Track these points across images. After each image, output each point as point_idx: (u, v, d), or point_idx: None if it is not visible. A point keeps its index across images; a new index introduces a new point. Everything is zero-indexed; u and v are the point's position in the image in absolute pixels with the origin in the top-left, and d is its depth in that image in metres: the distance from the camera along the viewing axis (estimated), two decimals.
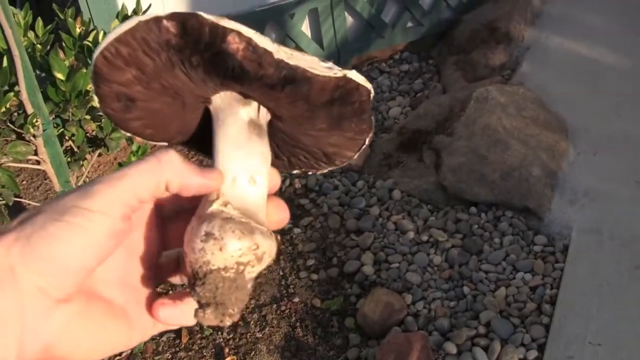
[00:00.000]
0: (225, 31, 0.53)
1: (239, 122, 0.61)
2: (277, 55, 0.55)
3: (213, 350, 2.80)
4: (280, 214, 0.64)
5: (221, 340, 2.82)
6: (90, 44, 2.51)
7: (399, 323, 2.75)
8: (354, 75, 0.59)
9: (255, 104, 0.61)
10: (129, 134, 0.65)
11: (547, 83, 3.79)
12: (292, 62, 0.55)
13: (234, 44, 0.54)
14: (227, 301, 0.57)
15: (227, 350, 2.78)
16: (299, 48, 4.22)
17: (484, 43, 4.19)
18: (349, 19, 4.33)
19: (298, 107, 0.60)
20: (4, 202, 2.49)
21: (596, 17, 4.22)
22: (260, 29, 3.72)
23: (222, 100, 0.61)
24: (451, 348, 2.61)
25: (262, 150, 0.62)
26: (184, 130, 0.67)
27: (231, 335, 2.84)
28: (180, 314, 0.58)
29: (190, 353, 2.80)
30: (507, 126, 3.38)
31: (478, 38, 4.23)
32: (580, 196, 3.15)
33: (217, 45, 0.54)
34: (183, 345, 2.83)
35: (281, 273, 3.08)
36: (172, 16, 0.54)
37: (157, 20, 0.54)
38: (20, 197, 2.88)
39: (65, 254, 0.50)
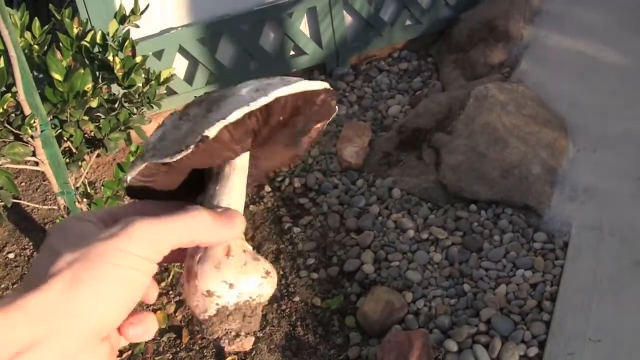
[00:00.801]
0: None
1: (243, 173, 0.66)
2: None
3: (214, 350, 2.79)
4: None
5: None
6: (87, 44, 2.51)
7: (399, 321, 2.75)
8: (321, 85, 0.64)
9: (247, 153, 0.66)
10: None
11: (546, 81, 3.79)
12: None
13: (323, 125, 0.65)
14: (257, 324, 0.65)
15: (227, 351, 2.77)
16: (297, 47, 4.22)
17: (483, 41, 4.19)
18: (348, 18, 4.32)
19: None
20: (2, 203, 2.49)
21: (595, 15, 4.21)
22: (259, 28, 3.72)
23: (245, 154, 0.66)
24: (452, 346, 2.61)
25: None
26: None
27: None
28: (144, 332, 0.62)
29: (190, 353, 2.80)
30: (507, 124, 3.37)
31: (477, 36, 4.23)
32: (580, 193, 3.15)
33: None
34: (184, 345, 2.83)
35: (281, 272, 3.07)
36: (326, 92, 0.62)
37: (317, 93, 0.61)
38: (19, 199, 2.87)
39: (122, 298, 0.55)
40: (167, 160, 0.59)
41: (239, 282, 0.61)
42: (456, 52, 4.27)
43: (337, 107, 0.66)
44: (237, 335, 0.63)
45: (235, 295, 0.61)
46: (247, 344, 0.63)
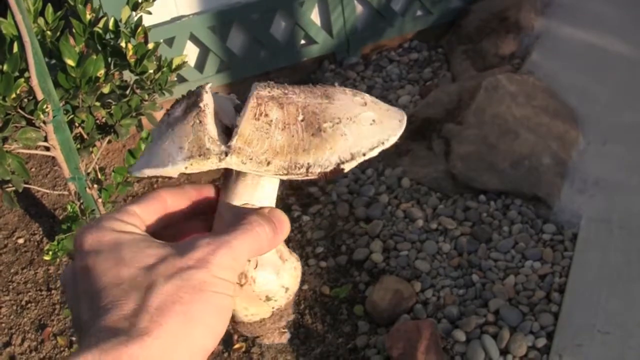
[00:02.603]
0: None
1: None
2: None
3: (222, 337, 2.80)
4: None
5: (229, 327, 2.82)
6: (100, 30, 2.52)
7: (407, 311, 2.76)
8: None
9: None
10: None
11: (557, 72, 3.78)
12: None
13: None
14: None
15: (236, 337, 2.78)
16: (308, 36, 4.21)
17: (494, 32, 4.18)
18: (359, 8, 4.32)
19: None
20: (13, 188, 2.50)
21: (606, 6, 4.19)
22: (270, 17, 3.71)
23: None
24: (460, 336, 2.61)
25: None
26: None
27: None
28: None
29: None
30: (517, 115, 3.37)
31: (488, 27, 4.22)
32: (589, 185, 3.15)
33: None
34: None
35: None
36: None
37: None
38: (29, 184, 2.88)
39: (222, 324, 0.54)
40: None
41: (292, 285, 0.63)
42: (467, 43, 4.26)
43: None
44: (282, 331, 0.66)
45: (286, 297, 0.64)
46: (287, 336, 0.67)
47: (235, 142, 0.57)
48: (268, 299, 0.62)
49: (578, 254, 2.85)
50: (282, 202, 3.41)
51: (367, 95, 0.62)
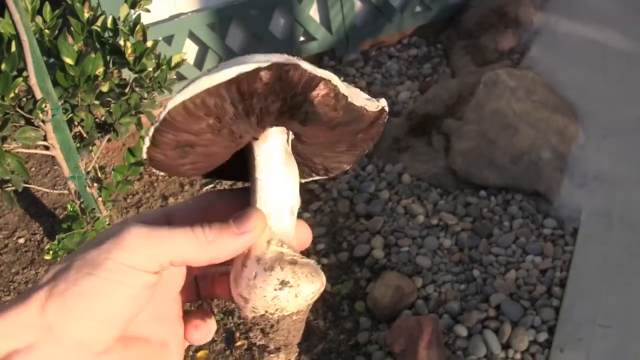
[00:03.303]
0: (318, 80, 0.53)
1: (280, 152, 0.60)
2: (349, 99, 0.55)
3: (224, 334, 2.80)
4: (306, 235, 0.64)
5: (232, 325, 2.83)
6: (98, 29, 2.51)
7: (409, 306, 2.76)
8: (385, 103, 0.60)
9: (289, 133, 0.60)
10: (161, 173, 0.62)
11: (557, 67, 3.78)
12: (356, 102, 0.56)
13: (321, 91, 0.54)
14: (295, 341, 0.59)
15: (238, 334, 2.78)
16: (307, 32, 4.21)
17: (493, 27, 4.17)
18: (358, 4, 4.31)
19: (334, 135, 0.60)
20: (13, 188, 2.49)
21: (605, 1, 4.19)
22: (269, 14, 3.71)
23: (270, 134, 0.59)
24: (461, 331, 2.61)
25: (295, 175, 0.61)
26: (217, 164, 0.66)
27: (242, 320, 2.84)
28: (207, 332, 0.61)
29: None
30: (517, 110, 3.36)
31: (487, 22, 4.22)
32: (590, 180, 3.14)
33: (305, 94, 0.54)
34: None
35: None
36: (273, 67, 0.52)
37: (258, 70, 0.52)
38: (29, 184, 2.88)
39: (104, 309, 0.50)
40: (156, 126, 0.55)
41: (251, 297, 0.57)
42: (466, 39, 4.25)
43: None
44: (264, 349, 0.59)
45: (250, 310, 0.57)
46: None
47: None
48: (245, 300, 0.57)
49: (579, 248, 2.85)
50: None
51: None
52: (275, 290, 0.56)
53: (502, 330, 2.58)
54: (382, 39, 4.48)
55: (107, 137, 2.75)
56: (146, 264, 0.51)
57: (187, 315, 0.62)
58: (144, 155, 0.57)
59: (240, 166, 0.62)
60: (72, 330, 0.49)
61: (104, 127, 2.71)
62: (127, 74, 2.72)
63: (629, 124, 3.36)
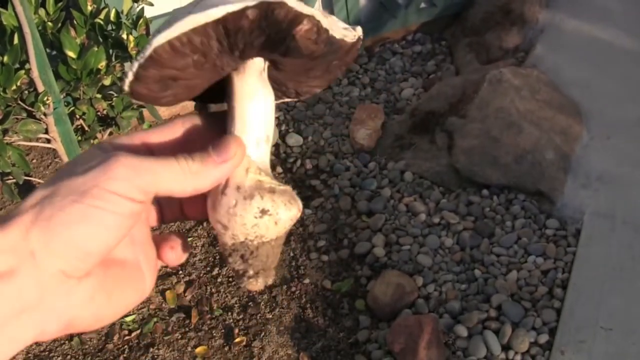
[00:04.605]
0: (302, 17, 0.54)
1: (258, 82, 0.61)
2: (330, 32, 0.56)
3: (223, 330, 2.80)
4: None
5: (231, 320, 2.82)
6: (101, 22, 2.50)
7: (409, 305, 2.75)
8: (361, 32, 0.61)
9: (266, 62, 0.62)
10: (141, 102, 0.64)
11: (561, 66, 3.76)
12: (336, 35, 0.57)
13: (304, 27, 0.55)
14: (272, 265, 0.62)
15: (236, 330, 2.78)
16: None
17: (498, 25, 4.15)
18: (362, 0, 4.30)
19: (310, 63, 0.62)
20: (14, 180, 2.49)
21: (612, 0, 4.17)
22: None
23: (249, 65, 0.61)
24: (462, 331, 2.60)
25: (272, 104, 0.63)
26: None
27: (241, 316, 2.83)
28: (183, 253, 0.62)
29: (199, 333, 2.80)
30: (521, 109, 3.35)
31: (492, 20, 4.19)
32: (593, 180, 3.13)
33: (289, 30, 0.55)
34: (193, 326, 2.83)
35: (291, 254, 3.07)
36: (260, 5, 0.53)
37: (245, 9, 0.53)
38: (31, 176, 2.87)
39: (88, 237, 0.50)
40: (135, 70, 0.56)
41: (230, 224, 0.58)
42: (471, 36, 4.23)
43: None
44: (242, 275, 0.60)
45: (230, 237, 0.59)
46: (253, 286, 0.61)
47: None
48: (224, 227, 0.59)
49: (581, 249, 2.84)
50: None
51: None
52: (255, 218, 0.58)
53: (502, 331, 2.57)
54: (386, 35, 4.46)
55: (108, 131, 2.74)
56: (133, 193, 0.52)
57: (162, 238, 0.62)
58: (126, 89, 0.58)
59: (217, 90, 0.63)
60: (55, 258, 0.49)
61: (105, 121, 2.70)
62: (129, 67, 2.70)
63: (634, 125, 3.35)
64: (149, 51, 0.54)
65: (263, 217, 0.58)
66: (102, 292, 0.53)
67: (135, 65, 0.56)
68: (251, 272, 0.60)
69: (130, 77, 0.57)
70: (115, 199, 0.51)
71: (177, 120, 0.62)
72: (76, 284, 0.51)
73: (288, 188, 0.61)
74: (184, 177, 0.55)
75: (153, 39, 0.54)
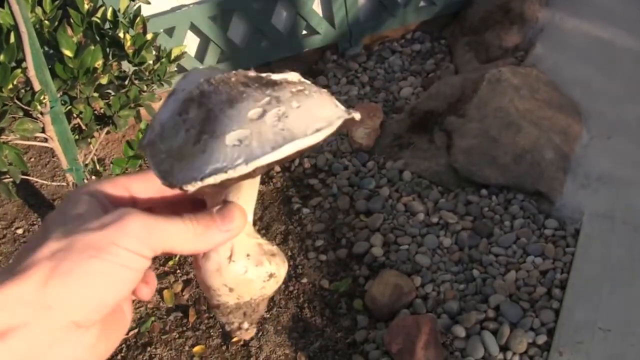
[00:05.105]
0: None
1: None
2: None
3: (220, 330, 2.79)
4: None
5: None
6: (98, 20, 2.49)
7: (407, 305, 2.74)
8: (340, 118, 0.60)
9: None
10: None
11: (561, 65, 3.75)
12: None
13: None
14: (262, 313, 0.67)
15: None
16: (309, 26, 4.18)
17: (498, 24, 4.14)
18: None
19: None
20: (11, 179, 2.48)
21: None
22: (272, 7, 3.67)
23: None
24: (460, 331, 2.59)
25: None
26: None
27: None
28: (154, 286, 0.63)
29: (197, 332, 2.79)
30: (520, 108, 3.34)
31: (491, 19, 4.18)
32: (592, 180, 3.12)
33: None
34: (190, 325, 2.82)
35: (289, 253, 3.06)
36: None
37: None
38: (28, 175, 2.87)
39: (106, 291, 0.53)
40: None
41: (239, 288, 0.61)
42: (470, 35, 4.22)
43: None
44: (239, 328, 0.64)
45: (235, 298, 0.62)
46: (248, 335, 0.65)
47: (154, 136, 0.56)
48: (210, 289, 0.61)
49: (580, 249, 2.82)
50: (282, 194, 3.39)
51: (292, 103, 0.54)
52: (264, 281, 0.62)
53: (500, 332, 2.56)
54: (386, 33, 4.45)
55: (106, 130, 2.74)
56: (145, 250, 0.54)
57: None
58: (192, 190, 0.54)
59: None
60: (71, 311, 0.51)
61: (102, 120, 2.69)
62: (126, 66, 2.70)
63: (634, 125, 3.33)
64: (248, 168, 0.52)
65: (270, 280, 0.63)
66: (103, 336, 0.56)
67: (224, 176, 0.53)
68: (246, 325, 0.65)
69: (211, 181, 0.53)
70: (129, 255, 0.53)
71: None
72: (84, 332, 0.53)
73: (275, 247, 0.65)
74: (188, 238, 0.57)
75: (256, 157, 0.52)
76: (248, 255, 0.61)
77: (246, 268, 0.61)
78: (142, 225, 0.54)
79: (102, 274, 0.52)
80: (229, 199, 0.60)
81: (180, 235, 0.56)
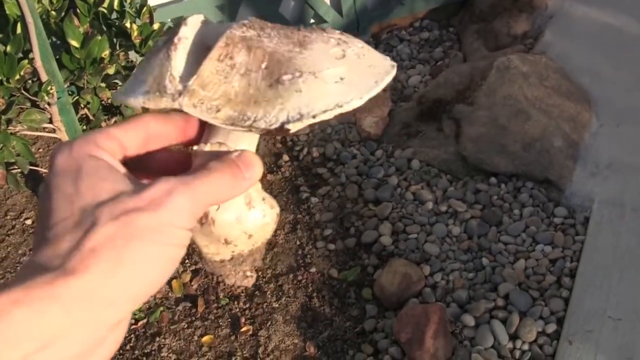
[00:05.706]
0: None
1: None
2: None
3: (229, 320, 2.79)
4: None
5: (237, 310, 2.81)
6: (105, 10, 2.49)
7: (416, 294, 2.73)
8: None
9: None
10: None
11: (570, 53, 3.72)
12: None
13: None
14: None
15: (243, 320, 2.77)
16: (317, 15, 4.16)
17: (507, 11, 4.12)
18: None
19: None
20: (19, 170, 2.49)
21: None
22: None
23: None
24: (469, 320, 2.59)
25: None
26: None
27: (247, 305, 2.83)
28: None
29: (206, 322, 2.80)
30: (529, 96, 3.32)
31: (500, 6, 4.16)
32: (602, 168, 3.10)
33: None
34: (199, 315, 2.83)
35: (298, 243, 3.06)
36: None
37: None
38: (37, 166, 2.87)
39: (161, 278, 0.51)
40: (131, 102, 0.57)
41: (258, 233, 0.61)
42: (479, 22, 4.20)
43: None
44: (245, 276, 0.65)
45: (251, 244, 0.62)
46: (251, 281, 0.66)
47: (191, 83, 0.54)
48: (227, 242, 0.61)
49: (590, 238, 2.81)
50: (291, 183, 3.38)
51: (356, 44, 0.58)
52: (275, 222, 0.64)
53: (510, 321, 2.55)
54: (394, 21, 4.43)
55: (113, 120, 2.73)
56: (193, 222, 0.53)
57: None
58: (292, 130, 0.56)
59: None
60: (131, 305, 0.50)
61: (110, 110, 2.69)
62: (133, 56, 2.69)
63: None
64: (362, 101, 0.55)
65: (276, 220, 0.64)
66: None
67: (339, 110, 0.54)
68: (249, 272, 0.66)
69: (324, 116, 0.54)
70: (183, 234, 0.52)
71: (140, 118, 0.60)
72: (116, 329, 0.51)
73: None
74: (223, 191, 0.56)
75: (367, 90, 0.55)
76: (264, 199, 0.62)
77: (264, 212, 0.61)
78: (188, 197, 0.52)
79: (162, 258, 0.51)
80: (239, 147, 0.59)
81: (216, 192, 0.55)
